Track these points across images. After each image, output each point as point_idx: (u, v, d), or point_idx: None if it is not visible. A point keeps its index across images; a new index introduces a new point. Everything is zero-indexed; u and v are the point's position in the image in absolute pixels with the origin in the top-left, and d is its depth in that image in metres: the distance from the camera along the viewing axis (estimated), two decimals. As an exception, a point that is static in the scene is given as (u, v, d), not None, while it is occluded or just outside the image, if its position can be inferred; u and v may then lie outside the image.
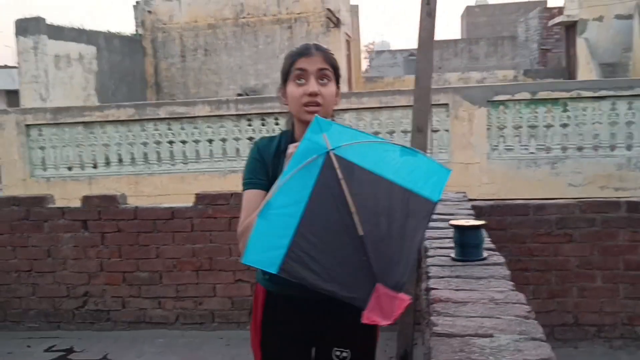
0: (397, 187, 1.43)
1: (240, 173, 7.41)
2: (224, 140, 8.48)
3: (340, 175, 1.40)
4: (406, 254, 1.44)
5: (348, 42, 19.49)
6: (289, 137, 1.89)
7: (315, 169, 1.40)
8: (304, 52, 1.82)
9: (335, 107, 1.87)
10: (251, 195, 1.83)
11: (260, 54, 17.31)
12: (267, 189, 1.75)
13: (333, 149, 1.40)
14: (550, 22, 20.02)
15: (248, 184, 1.86)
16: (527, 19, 23.60)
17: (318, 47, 1.85)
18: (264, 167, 1.86)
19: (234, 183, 8.32)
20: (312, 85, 1.77)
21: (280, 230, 1.39)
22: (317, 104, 1.77)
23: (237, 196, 4.77)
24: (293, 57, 1.83)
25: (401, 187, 1.44)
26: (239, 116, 8.48)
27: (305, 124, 1.82)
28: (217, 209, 4.75)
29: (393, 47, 41.07)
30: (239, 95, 16.47)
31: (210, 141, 8.53)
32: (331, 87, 1.80)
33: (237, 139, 8.47)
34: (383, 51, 31.50)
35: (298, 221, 1.38)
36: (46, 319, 4.95)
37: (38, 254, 4.93)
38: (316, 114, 1.54)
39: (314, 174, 1.40)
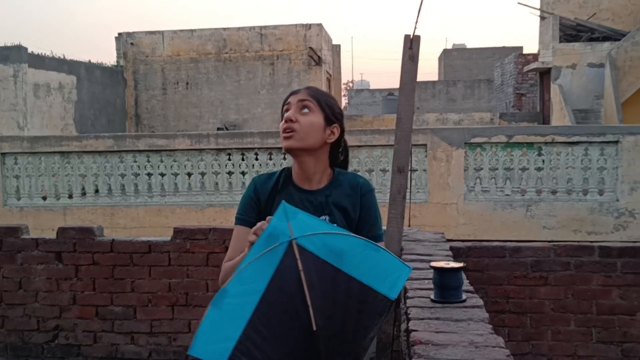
0: (357, 282, 1.43)
1: (218, 207, 7.39)
2: (202, 174, 8.46)
3: (300, 266, 1.37)
4: (358, 349, 1.45)
5: (329, 79, 19.76)
6: (287, 174, 1.93)
7: (276, 258, 1.37)
8: (294, 91, 1.91)
9: (330, 141, 1.89)
10: (241, 233, 1.85)
11: (242, 89, 17.44)
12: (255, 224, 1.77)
13: (296, 238, 1.38)
14: (526, 68, 20.54)
15: (239, 220, 1.88)
16: (503, 64, 24.19)
17: (308, 87, 1.92)
18: (257, 205, 1.88)
19: (211, 217, 8.28)
20: (288, 113, 1.83)
21: (233, 320, 1.35)
22: (291, 130, 1.81)
23: (215, 232, 4.75)
24: (286, 97, 1.92)
25: (360, 282, 1.43)
26: (219, 150, 8.49)
27: (295, 158, 1.87)
28: (195, 244, 4.71)
29: (372, 87, 41.77)
30: (220, 129, 16.51)
31: (189, 174, 8.50)
32: (312, 118, 1.84)
33: (216, 173, 8.46)
34: (362, 90, 31.95)
35: (252, 312, 1.35)
36: (14, 352, 4.81)
37: (9, 286, 4.82)
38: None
39: (274, 264, 1.37)
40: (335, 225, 1.82)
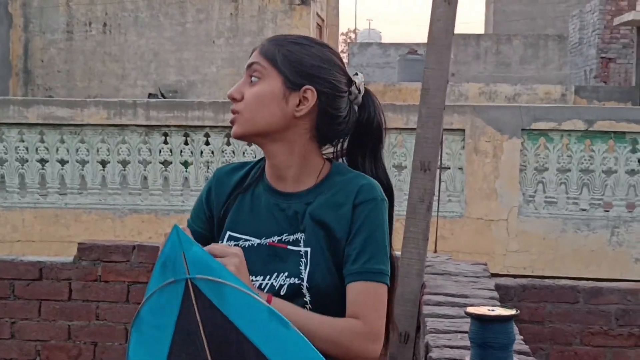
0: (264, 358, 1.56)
1: (146, 214, 7.45)
2: (124, 162, 8.44)
3: (198, 317, 1.55)
4: None
5: (320, 27, 19.77)
6: (258, 169, 1.94)
7: (177, 297, 1.56)
8: (255, 48, 1.92)
9: (299, 113, 1.84)
10: None
11: (188, 36, 17.38)
12: (206, 236, 1.90)
13: (192, 278, 1.53)
14: (616, 20, 20.66)
15: (188, 225, 1.96)
16: (582, 13, 24.34)
17: (270, 38, 1.91)
18: (207, 209, 1.95)
19: (136, 229, 8.26)
20: (232, 89, 1.87)
21: (154, 352, 1.62)
22: (234, 112, 1.85)
23: (142, 251, 4.74)
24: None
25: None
26: (151, 128, 8.46)
27: (258, 145, 1.93)
28: (110, 268, 4.70)
29: (385, 40, 41.62)
30: (152, 96, 16.48)
31: (103, 163, 8.47)
32: (260, 88, 1.83)
33: (145, 163, 8.43)
34: (370, 44, 31.99)
35: (167, 351, 1.60)
36: None
37: None
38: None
39: (176, 303, 1.57)
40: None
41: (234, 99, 1.84)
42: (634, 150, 8.00)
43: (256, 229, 1.86)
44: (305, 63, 1.86)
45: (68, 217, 8.38)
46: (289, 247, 1.83)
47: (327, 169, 1.90)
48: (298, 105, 1.84)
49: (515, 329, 2.36)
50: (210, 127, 8.39)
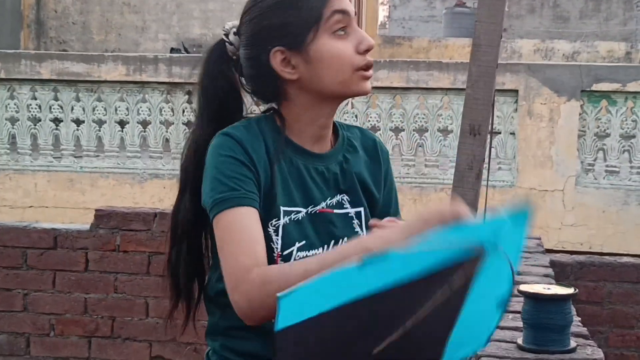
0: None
1: (167, 179, 7.50)
2: (144, 123, 8.48)
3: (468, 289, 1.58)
4: None
5: (358, -24, 19.66)
6: (271, 127, 1.87)
7: (450, 258, 1.55)
8: None
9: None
10: (250, 218, 1.74)
11: (214, -15, 17.35)
12: (261, 210, 1.76)
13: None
14: (690, -31, 20.32)
15: (232, 200, 1.75)
16: (651, -39, 23.95)
17: None
18: (253, 174, 1.80)
19: (157, 195, 8.32)
20: (368, 38, 1.83)
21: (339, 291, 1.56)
22: (371, 67, 1.84)
23: (163, 218, 4.77)
24: None
25: None
26: (173, 85, 8.49)
27: (330, 104, 1.88)
28: (129, 237, 4.75)
29: (430, -10, 41.29)
30: (175, 50, 16.50)
31: (122, 123, 8.52)
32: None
33: (167, 123, 8.47)
34: (414, -5, 31.76)
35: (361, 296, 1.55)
36: None
37: None
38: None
39: (438, 261, 1.56)
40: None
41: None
42: None
43: (302, 198, 1.85)
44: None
45: (84, 182, 8.46)
46: (335, 210, 1.87)
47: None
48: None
49: (573, 310, 2.35)
50: (238, 85, 8.40)
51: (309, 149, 1.88)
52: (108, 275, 4.78)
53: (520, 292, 2.24)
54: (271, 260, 1.75)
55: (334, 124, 1.94)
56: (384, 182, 1.96)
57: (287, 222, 1.81)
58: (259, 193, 1.79)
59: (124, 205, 6.69)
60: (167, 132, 8.47)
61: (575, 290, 2.25)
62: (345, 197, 1.88)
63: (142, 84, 8.50)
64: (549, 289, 2.25)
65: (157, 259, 4.77)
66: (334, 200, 1.87)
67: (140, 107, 8.48)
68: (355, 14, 1.84)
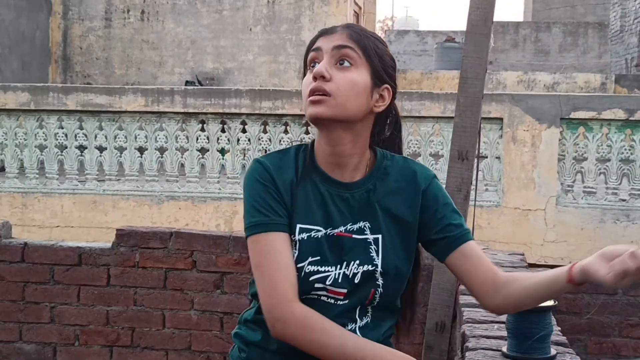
0: None
1: (183, 201, 7.49)
2: (162, 149, 8.50)
3: None
4: None
5: (357, 14, 19.72)
6: (306, 155, 1.92)
7: None
8: (326, 30, 1.91)
9: (378, 110, 1.91)
10: (280, 243, 1.83)
11: (225, 23, 17.44)
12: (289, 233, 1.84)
13: None
14: (659, 7, 20.36)
15: (263, 225, 1.84)
16: (623, 0, 24.04)
17: (348, 26, 1.91)
18: (280, 198, 1.87)
19: (173, 215, 8.33)
20: (319, 66, 1.83)
21: None
22: (322, 92, 1.81)
23: (179, 237, 4.78)
24: (312, 40, 1.92)
25: None
26: (188, 115, 8.51)
27: (324, 134, 1.88)
28: (148, 255, 4.76)
29: (422, 27, 41.32)
30: (189, 83, 16.55)
31: (140, 150, 8.54)
32: (354, 75, 1.84)
33: (182, 150, 8.49)
34: (407, 31, 31.87)
35: None
36: None
37: None
38: (321, 111, 1.70)
39: None
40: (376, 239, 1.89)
41: (324, 78, 1.82)
42: (675, 140, 7.91)
43: (322, 220, 1.87)
44: (386, 62, 1.92)
45: (106, 204, 8.47)
46: (354, 236, 1.87)
47: (373, 155, 1.95)
48: (378, 100, 1.89)
49: (553, 320, 2.35)
50: (247, 114, 8.41)
51: (336, 177, 1.90)
52: (128, 290, 4.79)
53: (504, 304, 2.23)
54: None
55: (376, 152, 1.95)
56: (424, 203, 1.91)
57: (304, 238, 1.85)
58: (286, 212, 1.86)
59: (143, 225, 6.71)
60: (182, 157, 8.49)
61: (555, 302, 2.24)
62: (367, 224, 1.89)
63: (160, 114, 8.52)
64: (530, 301, 2.23)
65: (172, 274, 4.79)
66: (355, 226, 1.88)
67: (158, 135, 8.50)
68: (354, 49, 1.85)
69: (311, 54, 1.88)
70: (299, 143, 2.02)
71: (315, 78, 1.82)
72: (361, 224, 1.88)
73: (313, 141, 1.94)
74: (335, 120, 1.83)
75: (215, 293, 4.86)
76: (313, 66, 1.86)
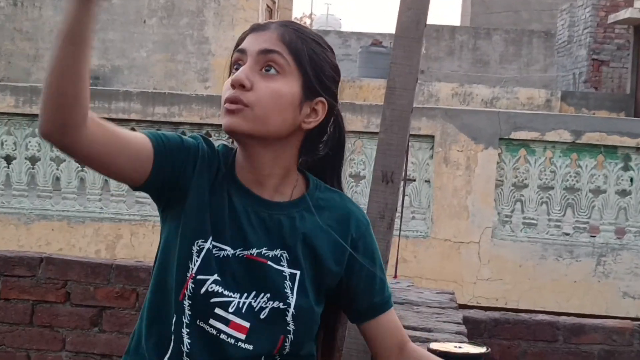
0: None
1: (57, 221, 7.37)
2: (33, 159, 8.35)
3: None
4: None
5: (270, 9, 19.78)
6: (229, 158, 1.90)
7: None
8: (257, 27, 1.89)
9: (308, 127, 1.88)
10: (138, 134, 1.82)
11: (114, 14, 17.28)
12: (160, 159, 1.77)
13: None
14: (611, 17, 20.95)
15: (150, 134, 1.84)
16: (572, 8, 24.66)
17: (284, 24, 1.89)
18: (181, 166, 1.83)
19: (44, 238, 8.17)
20: (239, 72, 1.82)
21: None
22: (239, 102, 1.80)
23: (51, 264, 4.69)
24: (242, 36, 1.90)
25: None
26: (67, 120, 8.40)
27: (241, 147, 1.87)
28: (12, 284, 4.66)
29: (345, 28, 41.72)
30: (69, 81, 16.33)
31: (8, 159, 8.37)
32: (280, 85, 1.83)
33: (58, 160, 8.35)
34: (328, 32, 32.09)
35: None
36: None
37: None
38: (236, 124, 1.70)
39: None
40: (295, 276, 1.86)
41: (243, 87, 1.80)
42: (625, 168, 8.11)
43: (233, 238, 1.85)
44: (325, 71, 1.90)
45: (-37, 222, 8.27)
46: (269, 263, 1.86)
47: (303, 182, 1.94)
48: (309, 116, 1.88)
49: (486, 370, 2.37)
50: (137, 121, 8.33)
51: (253, 190, 1.88)
52: (-14, 325, 4.66)
53: (430, 350, 2.25)
54: (183, 278, 1.81)
55: (309, 181, 1.94)
56: (350, 257, 1.91)
57: (214, 250, 1.83)
58: (168, 170, 1.82)
59: (7, 248, 6.56)
60: (57, 169, 8.34)
61: (487, 349, 2.27)
62: (285, 255, 1.86)
63: (32, 116, 8.35)
64: (460, 347, 2.27)
65: (41, 307, 4.68)
66: (272, 252, 1.86)
67: (30, 142, 8.34)
68: (282, 56, 1.83)
69: (235, 55, 1.86)
70: (224, 144, 1.98)
71: (233, 85, 1.81)
72: (278, 252, 1.86)
73: (237, 149, 1.92)
74: (252, 136, 1.82)
75: (92, 331, 4.78)
76: (236, 68, 1.84)
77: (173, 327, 1.84)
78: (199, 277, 1.81)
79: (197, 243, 1.82)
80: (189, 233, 1.82)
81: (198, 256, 1.82)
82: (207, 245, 1.82)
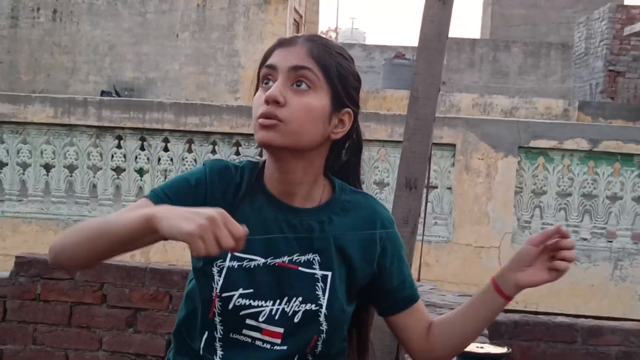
0: None
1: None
2: (71, 167, 8.39)
3: None
4: None
5: (297, 24, 19.80)
6: (254, 172, 1.92)
7: None
8: (284, 41, 1.89)
9: (336, 137, 1.90)
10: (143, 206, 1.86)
11: (149, 28, 17.34)
12: None
13: None
14: (627, 30, 20.85)
15: (156, 196, 1.90)
16: (589, 20, 24.56)
17: (311, 38, 1.90)
18: (195, 199, 1.85)
19: (81, 243, 8.20)
20: (273, 88, 1.82)
21: None
22: (274, 118, 1.80)
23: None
24: (269, 50, 1.90)
25: None
26: (102, 129, 8.43)
27: (274, 159, 1.88)
28: (51, 286, 4.68)
29: (369, 41, 41.76)
30: (106, 93, 16.40)
31: (47, 167, 8.42)
32: (312, 100, 1.83)
33: (95, 168, 8.39)
34: (353, 45, 32.13)
35: None
36: None
37: None
38: (271, 138, 1.72)
39: None
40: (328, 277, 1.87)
41: (277, 103, 1.80)
42: (642, 175, 8.07)
43: (262, 248, 1.86)
44: (350, 83, 1.92)
45: (5, 227, 8.32)
46: (301, 268, 1.87)
47: (330, 186, 1.96)
48: (337, 126, 1.90)
49: (506, 370, 2.37)
50: (170, 131, 8.36)
51: (282, 199, 1.90)
52: (27, 326, 4.69)
53: (453, 350, 2.24)
54: (209, 298, 1.83)
55: (335, 185, 1.96)
56: (384, 256, 1.93)
57: (235, 266, 1.84)
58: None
59: (47, 253, 6.58)
60: (94, 177, 8.39)
61: (508, 349, 2.27)
62: (317, 258, 1.88)
63: (70, 126, 8.42)
64: (482, 347, 2.26)
65: (79, 309, 4.71)
66: (303, 257, 1.87)
67: (68, 151, 8.39)
68: (313, 71, 1.84)
69: (264, 70, 1.86)
70: (249, 159, 1.99)
71: (267, 101, 1.81)
72: (310, 256, 1.87)
73: (264, 161, 1.93)
74: (287, 148, 1.83)
75: (127, 332, 4.80)
76: (266, 83, 1.85)
77: (203, 342, 1.86)
78: (224, 294, 1.83)
79: (216, 264, 1.84)
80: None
81: (220, 275, 1.84)
82: (227, 263, 1.84)
